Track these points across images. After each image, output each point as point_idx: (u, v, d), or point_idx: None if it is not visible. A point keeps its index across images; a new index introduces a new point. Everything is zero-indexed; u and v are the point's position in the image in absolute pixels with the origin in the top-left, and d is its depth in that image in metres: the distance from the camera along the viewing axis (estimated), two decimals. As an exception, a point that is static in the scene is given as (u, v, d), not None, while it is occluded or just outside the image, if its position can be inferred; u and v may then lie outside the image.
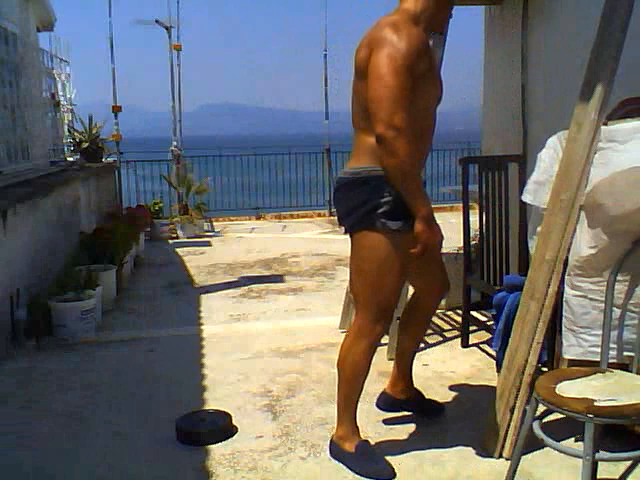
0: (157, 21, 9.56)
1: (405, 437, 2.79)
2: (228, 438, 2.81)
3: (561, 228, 2.50)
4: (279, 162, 11.36)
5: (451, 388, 3.32)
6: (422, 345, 3.91)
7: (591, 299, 2.47)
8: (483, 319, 4.24)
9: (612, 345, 2.41)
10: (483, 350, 3.87)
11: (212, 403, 3.18)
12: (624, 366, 2.41)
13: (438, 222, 2.42)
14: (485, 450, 2.61)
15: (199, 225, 8.94)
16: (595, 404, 1.95)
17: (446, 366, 3.61)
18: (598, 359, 2.42)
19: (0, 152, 5.16)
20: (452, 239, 4.63)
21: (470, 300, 3.94)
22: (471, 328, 3.99)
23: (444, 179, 10.61)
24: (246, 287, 5.68)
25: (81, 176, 6.66)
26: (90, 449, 2.77)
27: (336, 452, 2.60)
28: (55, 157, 7.18)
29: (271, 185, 11.39)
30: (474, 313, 4.14)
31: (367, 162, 2.39)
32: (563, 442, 2.42)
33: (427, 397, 3.03)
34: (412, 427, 2.88)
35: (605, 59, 2.47)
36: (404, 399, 2.96)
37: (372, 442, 2.67)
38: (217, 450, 2.71)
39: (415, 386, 3.01)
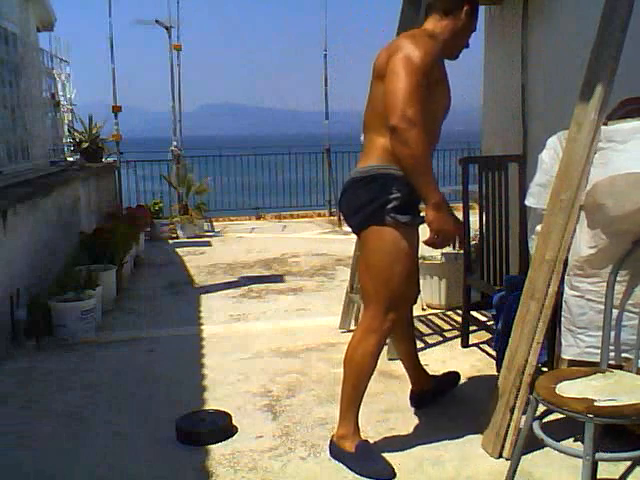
0: (157, 21, 9.55)
1: (405, 437, 2.79)
2: (228, 438, 2.81)
3: (561, 228, 2.50)
4: (279, 162, 11.36)
5: (451, 388, 3.32)
6: (422, 345, 3.92)
7: (588, 299, 2.47)
8: (483, 319, 4.24)
9: (610, 347, 2.41)
10: (483, 350, 3.87)
11: (212, 403, 3.18)
12: (621, 368, 2.41)
13: None
14: (485, 450, 2.62)
15: (199, 225, 8.94)
16: (595, 404, 1.95)
17: (446, 366, 3.60)
18: (595, 360, 2.43)
19: (0, 152, 5.16)
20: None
21: (470, 300, 3.94)
22: (471, 328, 3.99)
23: (444, 179, 10.60)
24: (246, 287, 5.68)
25: (81, 176, 6.66)
26: (90, 449, 2.77)
27: (336, 452, 2.61)
28: (55, 157, 7.18)
29: (271, 185, 11.39)
30: (474, 313, 4.14)
31: (376, 161, 2.49)
32: (563, 442, 2.42)
33: (441, 373, 3.26)
34: (412, 427, 2.89)
35: (605, 59, 2.46)
36: (431, 389, 3.09)
37: (372, 442, 2.67)
38: (217, 450, 2.71)
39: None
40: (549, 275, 2.52)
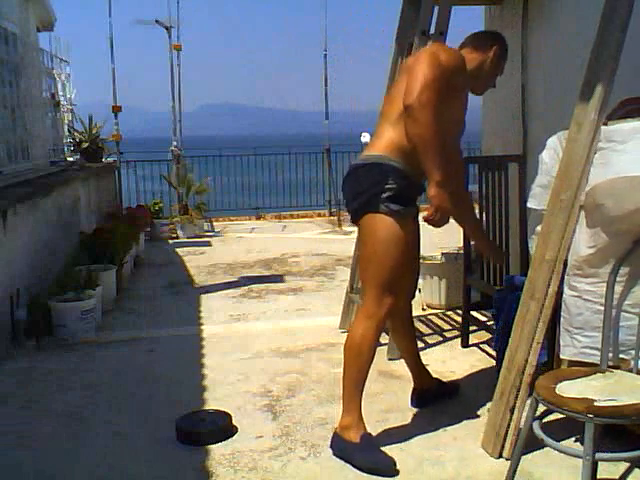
0: (157, 21, 9.56)
1: (405, 437, 2.78)
2: (228, 438, 2.81)
3: (561, 228, 2.50)
4: (279, 162, 11.36)
5: (451, 388, 3.32)
6: (422, 345, 3.92)
7: (585, 300, 2.46)
8: (483, 319, 4.24)
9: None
10: (483, 350, 3.87)
11: (212, 403, 3.18)
12: (618, 368, 2.41)
13: None
14: (485, 450, 2.61)
15: (199, 225, 8.95)
16: (595, 404, 1.95)
17: (446, 366, 3.60)
18: (590, 360, 2.43)
19: (0, 152, 5.16)
20: (452, 239, 4.65)
21: (470, 300, 3.94)
22: (471, 328, 3.99)
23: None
24: (246, 287, 5.68)
25: (81, 176, 6.66)
26: (90, 449, 2.77)
27: (339, 444, 2.60)
28: (55, 157, 7.18)
29: (271, 185, 11.39)
30: (474, 313, 4.13)
31: (380, 151, 2.62)
32: (563, 442, 2.42)
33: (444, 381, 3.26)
34: (412, 427, 2.88)
35: (605, 59, 2.46)
36: (433, 389, 3.11)
37: (372, 442, 2.67)
38: (217, 450, 2.71)
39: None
40: (549, 275, 2.52)
